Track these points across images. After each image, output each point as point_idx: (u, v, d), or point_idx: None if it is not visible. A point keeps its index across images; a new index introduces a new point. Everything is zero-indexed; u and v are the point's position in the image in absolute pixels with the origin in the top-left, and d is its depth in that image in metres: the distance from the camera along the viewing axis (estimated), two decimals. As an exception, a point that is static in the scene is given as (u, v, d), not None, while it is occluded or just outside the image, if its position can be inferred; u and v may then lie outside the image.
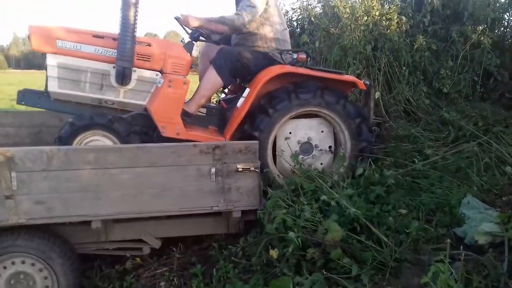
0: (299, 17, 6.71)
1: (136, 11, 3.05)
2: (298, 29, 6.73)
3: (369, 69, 5.06)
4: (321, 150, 3.53)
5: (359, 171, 3.15)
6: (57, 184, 2.53)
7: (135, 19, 3.05)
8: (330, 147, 3.55)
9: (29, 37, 3.15)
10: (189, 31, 3.46)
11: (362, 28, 4.97)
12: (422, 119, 4.88)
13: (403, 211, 2.70)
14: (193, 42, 3.50)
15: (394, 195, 2.88)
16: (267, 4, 3.49)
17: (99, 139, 3.20)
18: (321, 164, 3.53)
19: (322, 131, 3.53)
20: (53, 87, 3.18)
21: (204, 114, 3.71)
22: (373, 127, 3.76)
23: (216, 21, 3.39)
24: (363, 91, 3.86)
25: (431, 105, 5.15)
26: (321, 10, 6.04)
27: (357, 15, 5.01)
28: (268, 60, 3.53)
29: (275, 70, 3.35)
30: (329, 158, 3.58)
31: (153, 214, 2.74)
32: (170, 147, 2.73)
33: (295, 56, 3.53)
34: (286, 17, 6.93)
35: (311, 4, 6.21)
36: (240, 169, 2.73)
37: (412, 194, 2.97)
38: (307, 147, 3.51)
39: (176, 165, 2.67)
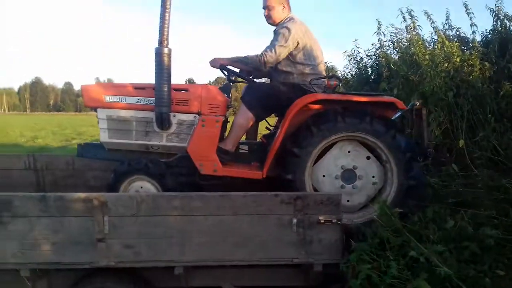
0: (374, 64, 6.67)
1: (169, 61, 3.25)
2: (373, 75, 6.68)
3: (451, 116, 4.86)
4: (363, 181, 3.35)
5: (450, 223, 2.95)
6: (145, 229, 2.62)
7: (168, 68, 3.24)
8: (374, 183, 3.36)
9: (82, 95, 3.49)
10: (227, 74, 3.69)
11: (442, 74, 4.84)
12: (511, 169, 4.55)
13: (501, 272, 2.47)
14: (231, 83, 3.74)
15: (491, 253, 2.65)
16: (297, 46, 3.52)
17: (143, 184, 3.40)
18: (365, 197, 3.37)
19: (369, 161, 3.36)
20: (104, 138, 3.50)
21: (246, 151, 3.79)
22: (429, 149, 3.50)
23: (240, 61, 3.60)
24: (415, 113, 3.66)
25: (522, 155, 4.80)
26: (397, 57, 5.98)
27: (437, 62, 4.89)
28: (299, 91, 3.52)
29: (306, 99, 3.32)
30: (373, 191, 3.39)
31: (234, 263, 2.73)
32: (251, 196, 2.75)
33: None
34: (361, 63, 6.94)
35: (387, 52, 6.16)
36: (322, 221, 2.67)
37: (510, 253, 2.72)
38: (350, 175, 3.36)
39: (257, 214, 2.68)
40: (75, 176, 4.24)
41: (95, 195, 2.59)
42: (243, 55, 3.67)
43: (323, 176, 3.35)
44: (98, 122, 3.51)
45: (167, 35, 3.19)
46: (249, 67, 3.65)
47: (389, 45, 6.34)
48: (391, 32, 6.22)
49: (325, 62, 7.90)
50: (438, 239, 2.77)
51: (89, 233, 2.58)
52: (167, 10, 3.15)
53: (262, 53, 3.47)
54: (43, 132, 18.62)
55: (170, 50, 3.24)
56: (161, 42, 3.19)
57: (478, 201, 3.70)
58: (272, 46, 3.47)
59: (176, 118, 3.44)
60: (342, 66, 8.24)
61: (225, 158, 3.49)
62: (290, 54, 3.54)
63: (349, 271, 2.55)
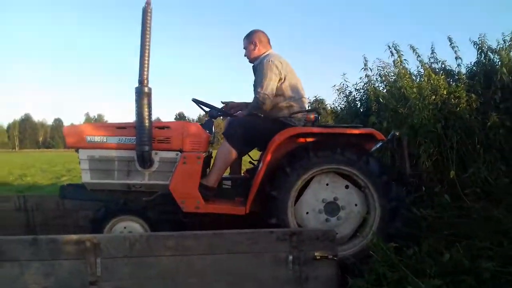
0: (363, 97, 6.78)
1: (149, 99, 3.27)
2: (362, 108, 6.78)
3: (441, 147, 4.91)
4: (347, 211, 3.35)
5: (446, 257, 2.93)
6: (138, 270, 2.57)
7: (149, 107, 3.27)
8: (358, 211, 3.36)
9: (64, 137, 3.54)
10: (207, 109, 3.79)
11: (430, 107, 4.91)
12: (503, 200, 4.57)
13: (500, 307, 2.45)
14: (212, 119, 3.81)
15: (487, 286, 2.63)
16: (280, 80, 3.63)
17: (127, 225, 3.40)
18: (351, 226, 3.35)
19: (348, 190, 3.37)
20: (86, 178, 3.50)
21: (229, 186, 3.78)
22: (411, 179, 3.57)
23: (248, 111, 3.72)
24: (396, 143, 3.72)
25: (512, 185, 4.83)
26: (385, 90, 6.09)
27: (424, 94, 4.98)
28: (279, 124, 3.56)
29: (286, 132, 3.36)
30: (359, 219, 3.37)
31: (229, 304, 2.67)
32: (246, 234, 2.72)
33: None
34: (350, 97, 7.06)
35: (375, 85, 6.28)
36: (318, 257, 2.64)
37: (507, 285, 2.70)
38: (332, 207, 3.35)
39: (252, 252, 2.64)
40: (65, 216, 4.21)
41: (87, 237, 2.55)
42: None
43: (307, 213, 3.34)
44: (79, 163, 3.51)
45: (147, 75, 3.22)
46: (258, 112, 3.69)
47: (377, 78, 6.45)
48: (379, 66, 6.34)
49: (315, 96, 8.05)
50: (435, 273, 2.75)
51: (81, 276, 2.52)
52: (147, 50, 3.18)
53: (256, 96, 3.57)
54: (33, 170, 18.37)
55: (150, 89, 3.26)
56: (141, 82, 3.21)
57: (473, 232, 3.70)
58: (260, 84, 3.55)
59: (158, 156, 3.44)
60: (332, 99, 8.39)
61: (208, 194, 3.48)
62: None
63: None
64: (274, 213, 3.24)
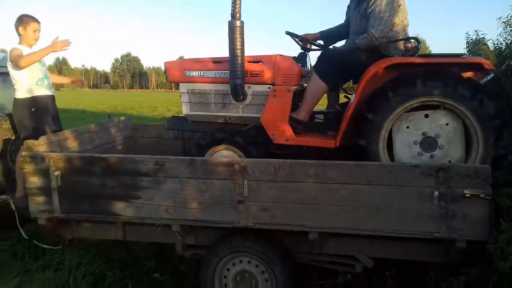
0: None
1: (242, 33, 3.21)
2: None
3: None
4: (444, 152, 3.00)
5: None
6: (281, 194, 2.72)
7: (242, 41, 3.22)
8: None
9: (165, 72, 3.68)
10: (301, 43, 3.61)
11: None
12: None
13: None
14: (306, 53, 3.63)
15: None
16: (397, 9, 3.25)
17: (224, 153, 3.50)
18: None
19: (452, 130, 2.99)
20: (186, 110, 3.69)
21: (322, 120, 3.67)
22: None
23: (355, 46, 3.35)
24: (510, 73, 3.18)
25: None
26: None
27: None
28: (375, 55, 3.23)
29: (382, 63, 3.05)
30: (458, 158, 2.99)
31: (368, 233, 2.70)
32: (387, 166, 2.68)
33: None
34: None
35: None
36: (468, 195, 2.47)
37: None
38: (430, 142, 3.02)
39: (394, 185, 2.59)
40: None
41: (236, 160, 2.77)
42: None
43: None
44: (180, 96, 3.70)
45: (239, 8, 3.19)
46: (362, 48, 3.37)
47: None
48: None
49: (476, 30, 7.10)
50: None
51: (231, 194, 2.78)
52: None
53: (370, 32, 3.24)
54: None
55: (242, 23, 3.24)
56: (233, 16, 3.20)
57: None
58: (379, 21, 3.22)
59: (251, 89, 3.49)
60: (496, 34, 7.28)
61: (298, 127, 3.45)
62: None
63: (498, 252, 2.34)
64: (366, 134, 3.08)
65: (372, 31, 3.22)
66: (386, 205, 2.61)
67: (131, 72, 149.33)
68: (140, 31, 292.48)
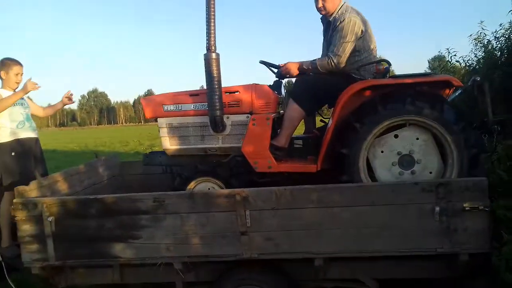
0: (504, 46, 6.15)
1: (218, 65, 3.28)
2: (502, 58, 6.13)
3: None
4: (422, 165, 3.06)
5: None
6: (284, 221, 2.72)
7: (218, 73, 3.29)
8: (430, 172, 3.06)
9: (143, 109, 3.71)
10: (275, 71, 3.67)
11: None
12: None
13: None
14: (280, 80, 3.69)
15: None
16: (361, 35, 3.35)
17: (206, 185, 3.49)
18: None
19: (423, 143, 3.06)
20: (166, 145, 3.69)
21: (301, 146, 3.71)
22: (494, 126, 3.15)
23: (312, 68, 3.44)
24: (476, 88, 3.23)
25: None
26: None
27: None
28: (348, 79, 3.33)
29: (355, 86, 3.11)
30: (436, 172, 3.06)
31: (372, 254, 2.71)
32: (389, 186, 2.71)
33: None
34: (488, 48, 6.45)
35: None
36: (468, 208, 2.53)
37: None
38: (408, 160, 3.08)
39: (396, 204, 2.62)
40: None
41: (237, 191, 2.75)
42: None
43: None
44: (159, 131, 3.71)
45: (214, 41, 3.25)
46: (319, 71, 3.45)
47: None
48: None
49: (447, 48, 7.41)
50: None
51: (233, 226, 2.75)
52: (212, 16, 3.19)
53: (329, 56, 3.33)
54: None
55: (218, 55, 3.29)
56: (208, 48, 3.25)
57: None
58: (338, 46, 3.31)
59: (230, 119, 3.52)
60: (467, 51, 7.62)
61: (279, 154, 3.47)
62: None
63: (502, 264, 2.39)
64: (345, 169, 3.10)
65: (331, 56, 3.32)
66: (389, 225, 2.63)
67: (98, 108, 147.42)
68: (107, 68, 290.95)
